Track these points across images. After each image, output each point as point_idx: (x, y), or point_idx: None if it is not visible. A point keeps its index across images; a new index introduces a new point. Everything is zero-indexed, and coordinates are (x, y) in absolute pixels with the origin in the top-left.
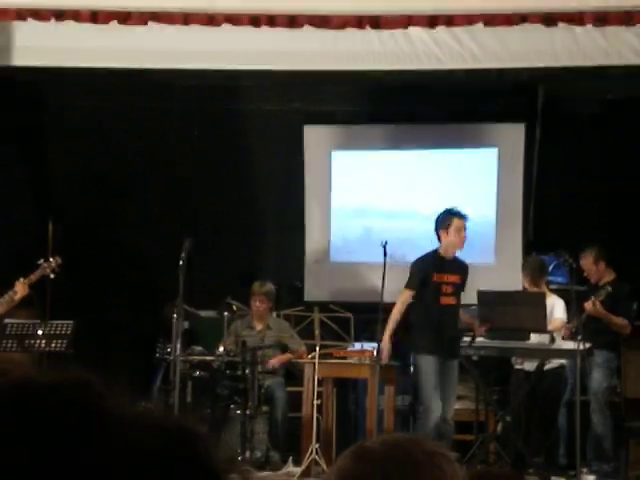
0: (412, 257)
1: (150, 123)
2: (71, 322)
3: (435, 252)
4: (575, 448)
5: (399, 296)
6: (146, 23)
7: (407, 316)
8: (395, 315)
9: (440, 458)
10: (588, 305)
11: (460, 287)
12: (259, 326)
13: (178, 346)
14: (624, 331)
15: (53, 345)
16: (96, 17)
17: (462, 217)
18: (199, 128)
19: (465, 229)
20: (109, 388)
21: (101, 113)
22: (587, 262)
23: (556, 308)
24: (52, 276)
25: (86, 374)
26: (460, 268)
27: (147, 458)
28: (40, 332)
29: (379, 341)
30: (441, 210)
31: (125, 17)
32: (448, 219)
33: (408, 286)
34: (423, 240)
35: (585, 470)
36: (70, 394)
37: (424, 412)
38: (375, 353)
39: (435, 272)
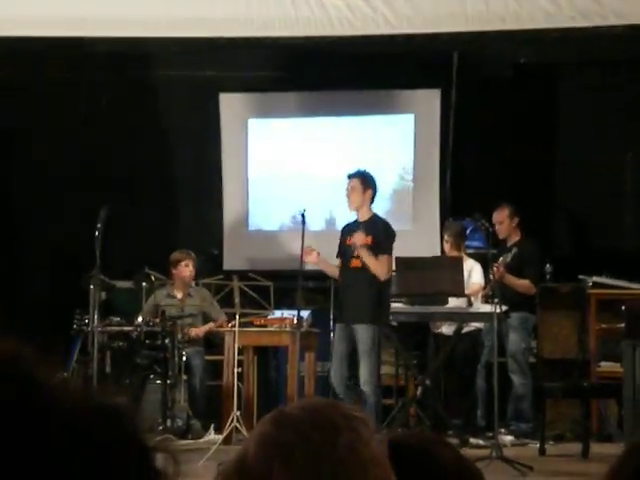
0: (328, 224)
1: (58, 92)
2: None
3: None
4: (493, 409)
5: None
6: None
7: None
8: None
9: (357, 422)
10: (493, 270)
11: (372, 248)
12: (180, 294)
13: (95, 317)
14: (528, 292)
15: None
16: None
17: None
18: (108, 97)
19: (349, 188)
20: (39, 360)
21: (7, 83)
22: (501, 215)
23: (474, 272)
24: None
25: (15, 344)
26: (372, 228)
27: (84, 433)
28: None
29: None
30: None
31: None
32: None
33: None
34: (340, 207)
35: (503, 431)
36: (2, 365)
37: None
38: None
39: (348, 236)
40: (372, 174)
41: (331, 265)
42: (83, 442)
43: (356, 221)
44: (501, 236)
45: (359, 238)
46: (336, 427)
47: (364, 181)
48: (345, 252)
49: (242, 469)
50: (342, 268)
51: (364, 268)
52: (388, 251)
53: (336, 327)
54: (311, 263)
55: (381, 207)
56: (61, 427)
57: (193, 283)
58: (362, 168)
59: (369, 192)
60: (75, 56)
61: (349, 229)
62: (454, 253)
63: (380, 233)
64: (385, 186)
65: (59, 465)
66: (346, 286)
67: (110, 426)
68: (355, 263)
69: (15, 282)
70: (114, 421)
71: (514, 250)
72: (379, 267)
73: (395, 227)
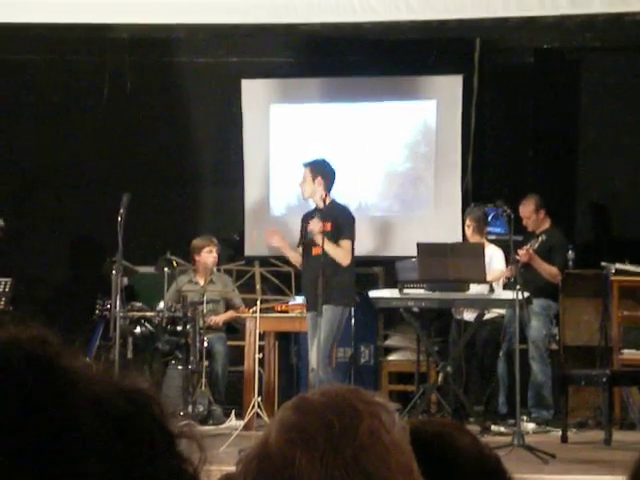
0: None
1: (82, 78)
2: (9, 279)
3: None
4: (515, 396)
5: None
6: None
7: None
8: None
9: (379, 408)
10: (521, 252)
11: (330, 235)
12: (202, 281)
13: (118, 302)
14: (555, 279)
15: None
16: None
17: None
18: (132, 82)
19: (301, 178)
20: (64, 345)
21: (32, 68)
22: (527, 210)
23: (495, 258)
24: None
25: (42, 330)
26: (330, 214)
27: (109, 415)
28: None
29: None
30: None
31: None
32: None
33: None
34: (359, 193)
35: (525, 418)
36: (29, 349)
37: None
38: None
39: (307, 224)
40: (326, 161)
41: (293, 252)
42: (111, 425)
43: (315, 209)
44: (531, 229)
45: (315, 225)
46: (357, 413)
47: (313, 170)
48: (308, 241)
49: (263, 455)
50: (305, 256)
51: (326, 254)
52: (349, 235)
53: (307, 316)
54: (275, 247)
55: (402, 193)
56: (88, 410)
57: (215, 269)
58: (319, 157)
59: (319, 180)
60: (100, 41)
61: (308, 217)
62: (476, 238)
63: (339, 218)
64: (406, 172)
65: (85, 447)
66: (310, 274)
67: (137, 411)
68: (317, 251)
69: (38, 268)
70: (141, 406)
71: (542, 237)
72: (340, 253)
73: (416, 213)
